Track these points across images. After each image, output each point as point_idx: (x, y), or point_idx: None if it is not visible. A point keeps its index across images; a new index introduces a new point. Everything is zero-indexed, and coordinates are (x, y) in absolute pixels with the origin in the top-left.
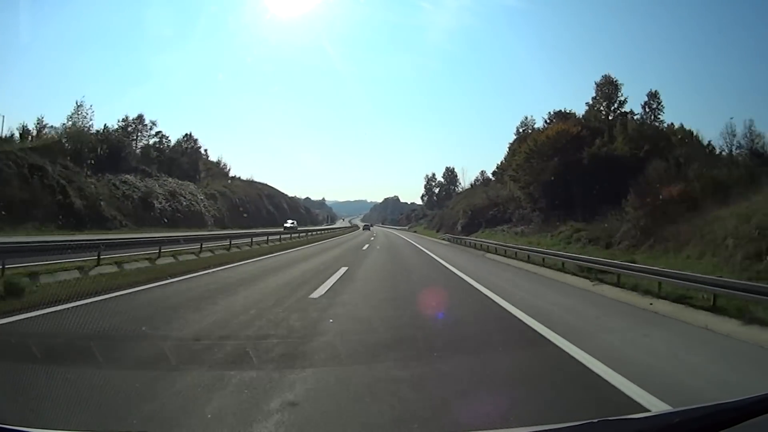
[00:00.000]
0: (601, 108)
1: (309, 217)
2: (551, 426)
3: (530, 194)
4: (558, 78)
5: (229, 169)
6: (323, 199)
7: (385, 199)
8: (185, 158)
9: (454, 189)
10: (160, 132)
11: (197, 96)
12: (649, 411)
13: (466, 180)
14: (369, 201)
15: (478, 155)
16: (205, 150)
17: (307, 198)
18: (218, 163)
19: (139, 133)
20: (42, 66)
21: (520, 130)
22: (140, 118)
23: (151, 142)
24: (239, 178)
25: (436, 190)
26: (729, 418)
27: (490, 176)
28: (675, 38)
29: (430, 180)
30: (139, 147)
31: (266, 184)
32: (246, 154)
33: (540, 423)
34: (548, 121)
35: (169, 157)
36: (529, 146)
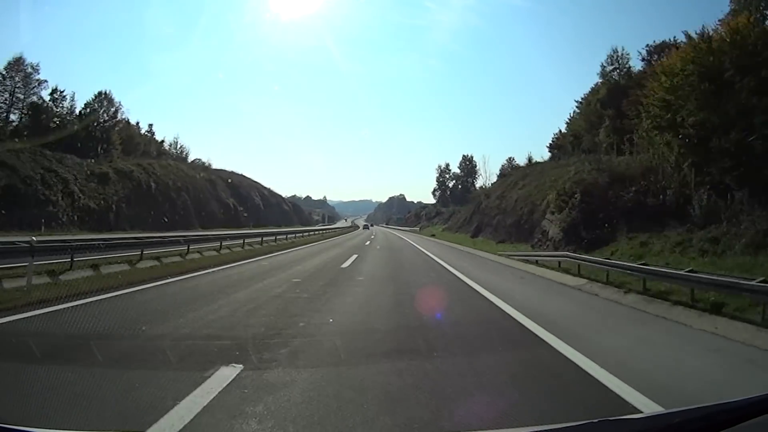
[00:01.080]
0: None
1: (298, 216)
2: (552, 426)
3: (728, 150)
4: (563, 74)
5: (186, 154)
6: (324, 197)
7: (390, 197)
8: (74, 119)
9: (473, 181)
10: (45, 81)
11: (200, 95)
12: (649, 411)
13: (488, 171)
14: (374, 201)
15: (489, 152)
16: (150, 127)
17: (308, 197)
18: (161, 141)
19: (16, 83)
20: (44, 65)
21: (608, 70)
22: (19, 62)
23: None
24: (187, 158)
25: (450, 184)
26: (729, 418)
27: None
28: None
29: (443, 172)
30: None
31: (233, 172)
32: (248, 154)
33: None
34: (645, 59)
35: (58, 120)
36: (703, 50)
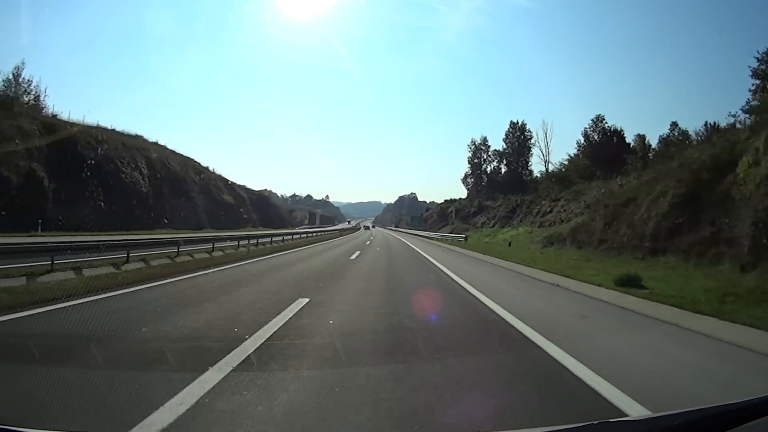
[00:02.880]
0: None
1: (262, 213)
2: (552, 428)
3: None
4: (564, 74)
5: (38, 97)
6: (327, 196)
7: (400, 197)
8: None
9: (526, 162)
10: None
11: (207, 98)
12: (649, 413)
13: (550, 145)
14: (383, 202)
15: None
16: None
17: (308, 196)
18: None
19: None
20: (46, 66)
21: None
22: None
23: None
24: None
25: (489, 168)
26: (730, 420)
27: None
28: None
29: (478, 149)
30: None
31: (97, 125)
32: (252, 154)
33: None
34: None
35: None
36: None
